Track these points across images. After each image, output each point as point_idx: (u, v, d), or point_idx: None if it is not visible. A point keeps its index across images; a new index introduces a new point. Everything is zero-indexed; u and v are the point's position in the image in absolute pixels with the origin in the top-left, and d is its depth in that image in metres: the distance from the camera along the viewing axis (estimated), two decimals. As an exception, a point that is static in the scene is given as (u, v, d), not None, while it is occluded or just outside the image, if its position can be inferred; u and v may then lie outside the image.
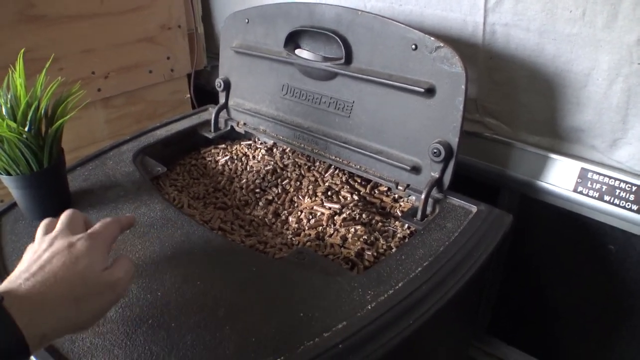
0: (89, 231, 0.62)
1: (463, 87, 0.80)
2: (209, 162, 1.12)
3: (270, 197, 0.98)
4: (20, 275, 0.54)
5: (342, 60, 0.94)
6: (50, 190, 0.86)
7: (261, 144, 1.16)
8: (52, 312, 0.52)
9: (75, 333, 0.62)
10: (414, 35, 0.84)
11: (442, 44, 0.81)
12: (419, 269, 0.71)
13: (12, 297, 0.50)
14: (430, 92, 0.84)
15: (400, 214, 0.90)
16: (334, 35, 0.93)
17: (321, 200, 0.93)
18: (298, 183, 1.00)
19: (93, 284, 0.56)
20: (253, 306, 0.66)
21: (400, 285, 0.68)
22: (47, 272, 0.54)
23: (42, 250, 0.58)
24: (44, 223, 0.64)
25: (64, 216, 0.65)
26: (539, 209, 1.01)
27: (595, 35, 0.84)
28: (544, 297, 1.10)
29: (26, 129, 0.79)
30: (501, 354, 1.22)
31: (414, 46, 0.84)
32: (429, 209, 0.87)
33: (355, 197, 0.93)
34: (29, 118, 0.79)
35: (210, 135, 1.18)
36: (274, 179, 1.02)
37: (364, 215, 0.88)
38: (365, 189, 0.98)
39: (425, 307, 0.65)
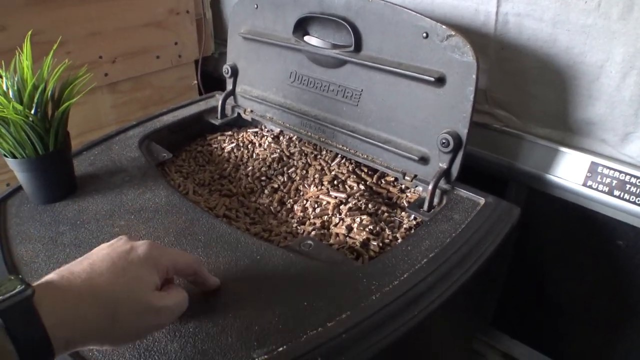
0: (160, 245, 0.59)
1: (474, 76, 0.79)
2: (215, 149, 1.11)
3: (275, 185, 0.97)
4: (72, 266, 0.51)
5: (352, 48, 0.93)
6: (56, 174, 0.85)
7: (268, 131, 1.15)
8: (84, 320, 0.48)
9: (104, 347, 0.58)
10: (425, 23, 0.83)
11: (453, 33, 0.80)
12: (425, 260, 0.70)
13: (49, 288, 0.47)
14: (440, 81, 0.83)
15: (406, 205, 0.89)
16: (343, 22, 0.92)
17: (327, 189, 0.92)
18: (304, 172, 1.00)
19: (136, 302, 0.52)
20: (256, 294, 0.65)
21: (405, 276, 0.67)
22: (94, 270, 0.51)
23: (107, 244, 0.56)
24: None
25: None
26: (547, 203, 1.00)
27: (610, 26, 0.82)
28: (550, 292, 1.10)
29: (32, 111, 0.78)
30: (505, 348, 1.21)
31: (424, 34, 0.83)
32: (436, 200, 0.86)
33: (362, 187, 0.93)
34: (35, 101, 0.78)
35: (217, 122, 1.17)
36: (280, 167, 1.01)
37: (370, 205, 0.87)
38: (372, 179, 0.97)
39: (430, 299, 0.64)
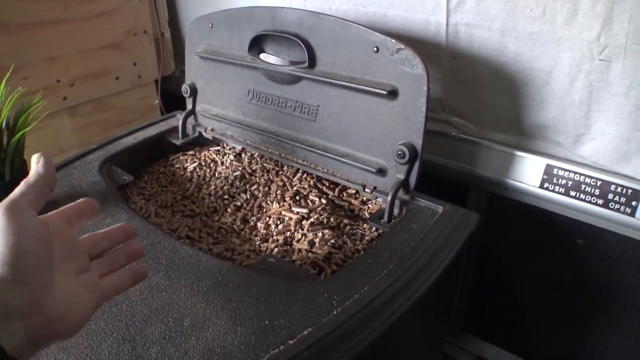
0: None
1: (425, 88, 0.80)
2: (178, 169, 1.11)
3: (238, 203, 0.97)
4: None
5: (306, 64, 0.93)
6: (13, 204, 0.84)
7: (230, 149, 1.15)
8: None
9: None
10: (375, 37, 0.84)
11: (403, 46, 0.81)
12: (385, 271, 0.71)
13: None
14: (392, 94, 0.84)
15: (368, 217, 0.90)
16: (296, 39, 0.93)
17: (289, 205, 0.92)
18: (266, 188, 1.00)
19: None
20: (218, 315, 0.65)
21: (365, 289, 0.68)
22: None
23: None
24: None
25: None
26: (507, 207, 1.01)
27: (555, 32, 0.85)
28: (517, 293, 1.11)
29: (-14, 141, 0.77)
30: (477, 350, 1.22)
31: (375, 48, 0.84)
32: (396, 210, 0.87)
33: (324, 201, 0.93)
34: (-12, 130, 0.78)
35: (178, 142, 1.16)
36: (242, 184, 1.01)
37: (332, 219, 0.87)
38: (334, 192, 0.97)
39: (390, 310, 0.65)
